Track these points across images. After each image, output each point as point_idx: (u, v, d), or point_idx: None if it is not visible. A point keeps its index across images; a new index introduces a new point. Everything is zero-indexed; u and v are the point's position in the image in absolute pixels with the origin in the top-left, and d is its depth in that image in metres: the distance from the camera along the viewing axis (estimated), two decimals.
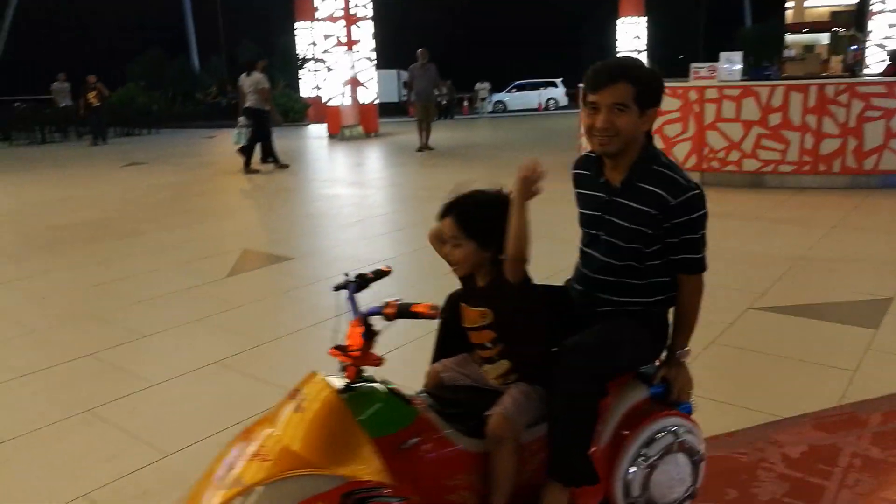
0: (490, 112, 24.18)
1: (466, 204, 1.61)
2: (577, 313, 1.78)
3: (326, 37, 13.98)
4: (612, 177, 1.73)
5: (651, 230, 1.67)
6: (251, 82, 9.31)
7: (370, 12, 14.19)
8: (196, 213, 6.89)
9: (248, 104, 9.34)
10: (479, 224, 1.59)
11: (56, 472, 2.25)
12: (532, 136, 14.47)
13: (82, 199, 7.87)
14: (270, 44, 23.15)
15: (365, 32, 14.16)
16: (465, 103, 24.51)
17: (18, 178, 10.02)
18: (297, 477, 1.29)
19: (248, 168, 9.37)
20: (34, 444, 2.43)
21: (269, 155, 9.66)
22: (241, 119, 9.40)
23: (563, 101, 24.44)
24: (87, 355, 3.20)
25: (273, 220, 6.78)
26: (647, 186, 1.67)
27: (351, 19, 13.87)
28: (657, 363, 1.80)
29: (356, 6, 13.83)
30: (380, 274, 1.66)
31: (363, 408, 1.45)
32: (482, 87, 24.89)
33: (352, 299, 1.56)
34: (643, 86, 1.64)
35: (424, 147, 11.53)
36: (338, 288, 1.60)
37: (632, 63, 1.70)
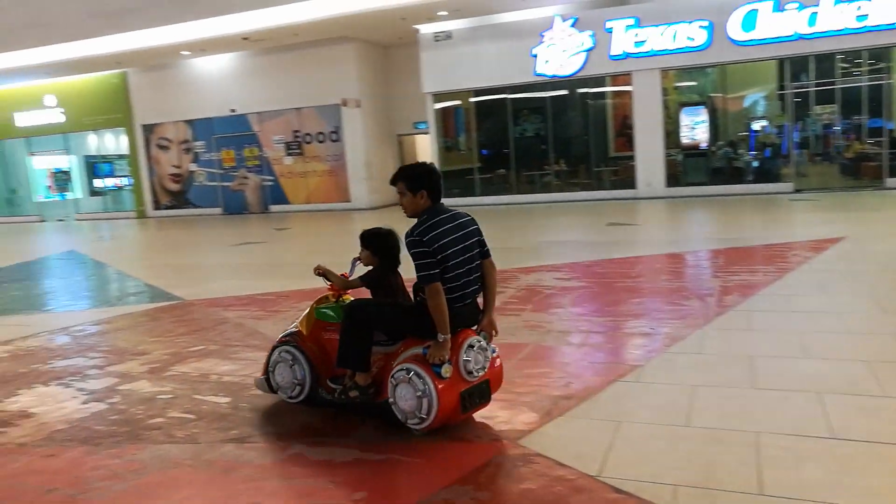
0: None
1: (367, 232, 3.62)
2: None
3: None
4: None
5: None
6: None
7: None
8: None
9: None
10: (369, 242, 3.57)
11: None
12: None
13: None
14: None
15: None
16: None
17: None
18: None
19: None
20: None
21: None
22: None
23: None
24: None
25: None
26: None
27: None
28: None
29: None
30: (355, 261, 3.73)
31: (323, 307, 3.60)
32: None
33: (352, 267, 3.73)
34: (409, 180, 3.18)
35: None
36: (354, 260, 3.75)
37: (406, 168, 3.30)
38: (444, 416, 3.04)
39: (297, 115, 17.95)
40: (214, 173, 19.13)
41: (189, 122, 19.22)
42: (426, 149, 18.84)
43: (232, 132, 18.72)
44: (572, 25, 14.93)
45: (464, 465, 2.86)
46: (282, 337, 3.70)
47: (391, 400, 3.14)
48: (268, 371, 3.66)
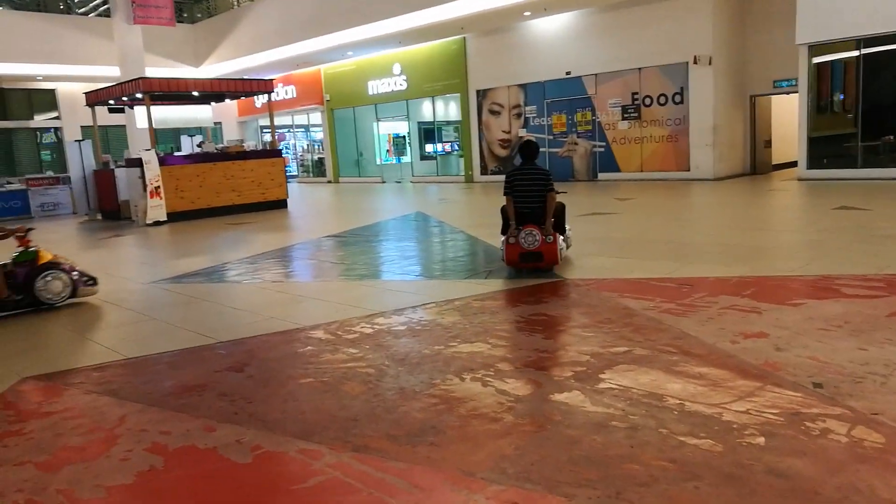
0: None
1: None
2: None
3: None
4: None
5: None
6: None
7: None
8: None
9: None
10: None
11: None
12: None
13: None
14: None
15: None
16: None
17: None
18: None
19: None
20: None
21: None
22: None
23: None
24: None
25: None
26: None
27: None
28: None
29: None
30: None
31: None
32: None
33: None
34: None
35: None
36: None
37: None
38: (508, 260, 6.20)
39: (637, 76, 16.46)
40: (543, 139, 18.59)
41: (521, 87, 18.89)
42: (787, 111, 16.09)
43: (564, 96, 17.94)
44: None
45: None
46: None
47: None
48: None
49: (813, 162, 14.38)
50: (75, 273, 6.19)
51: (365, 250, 8.56)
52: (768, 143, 17.11)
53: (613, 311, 4.78)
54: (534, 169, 6.26)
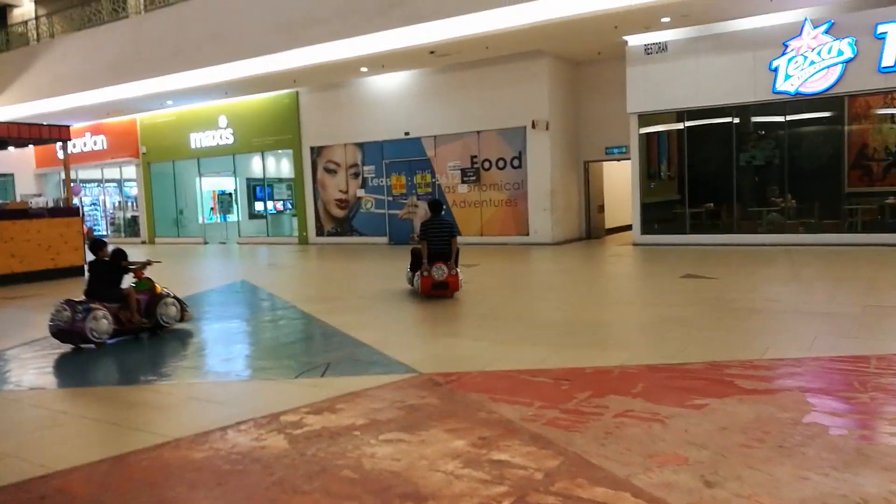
0: None
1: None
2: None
3: None
4: None
5: None
6: None
7: None
8: None
9: None
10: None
11: None
12: None
13: None
14: None
15: None
16: None
17: None
18: None
19: None
20: None
21: None
22: None
23: None
24: None
25: None
26: None
27: None
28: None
29: None
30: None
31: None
32: None
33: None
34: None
35: None
36: None
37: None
38: (423, 290, 8.01)
39: (476, 139, 16.20)
40: (382, 200, 17.75)
41: (359, 146, 18.04)
42: (618, 177, 16.54)
43: (404, 157, 17.30)
44: (826, 32, 12.18)
45: None
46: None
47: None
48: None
49: (646, 227, 14.70)
50: (180, 300, 6.97)
51: (169, 336, 6.95)
52: (601, 208, 17.49)
53: (487, 425, 3.75)
54: (442, 220, 8.47)
